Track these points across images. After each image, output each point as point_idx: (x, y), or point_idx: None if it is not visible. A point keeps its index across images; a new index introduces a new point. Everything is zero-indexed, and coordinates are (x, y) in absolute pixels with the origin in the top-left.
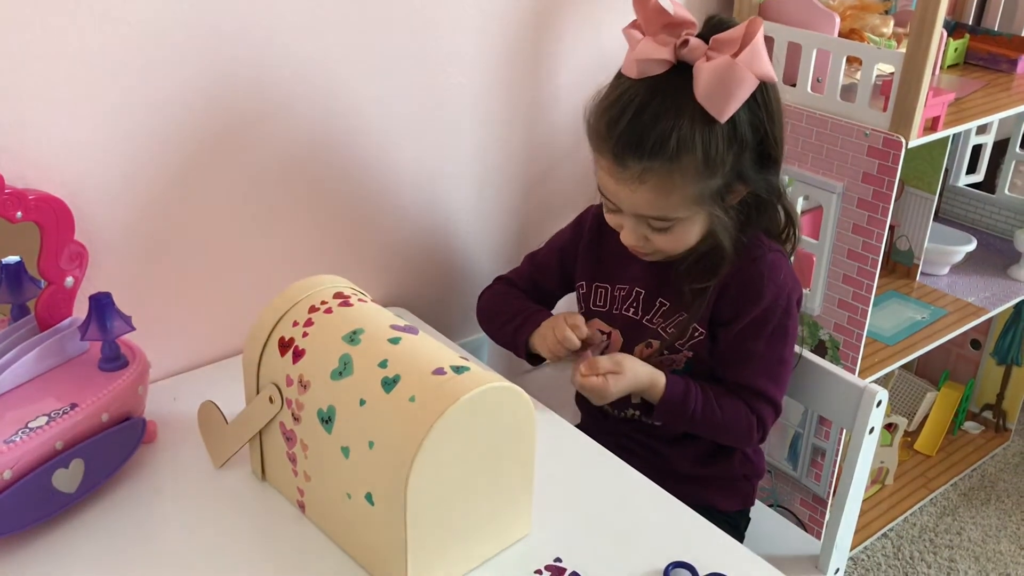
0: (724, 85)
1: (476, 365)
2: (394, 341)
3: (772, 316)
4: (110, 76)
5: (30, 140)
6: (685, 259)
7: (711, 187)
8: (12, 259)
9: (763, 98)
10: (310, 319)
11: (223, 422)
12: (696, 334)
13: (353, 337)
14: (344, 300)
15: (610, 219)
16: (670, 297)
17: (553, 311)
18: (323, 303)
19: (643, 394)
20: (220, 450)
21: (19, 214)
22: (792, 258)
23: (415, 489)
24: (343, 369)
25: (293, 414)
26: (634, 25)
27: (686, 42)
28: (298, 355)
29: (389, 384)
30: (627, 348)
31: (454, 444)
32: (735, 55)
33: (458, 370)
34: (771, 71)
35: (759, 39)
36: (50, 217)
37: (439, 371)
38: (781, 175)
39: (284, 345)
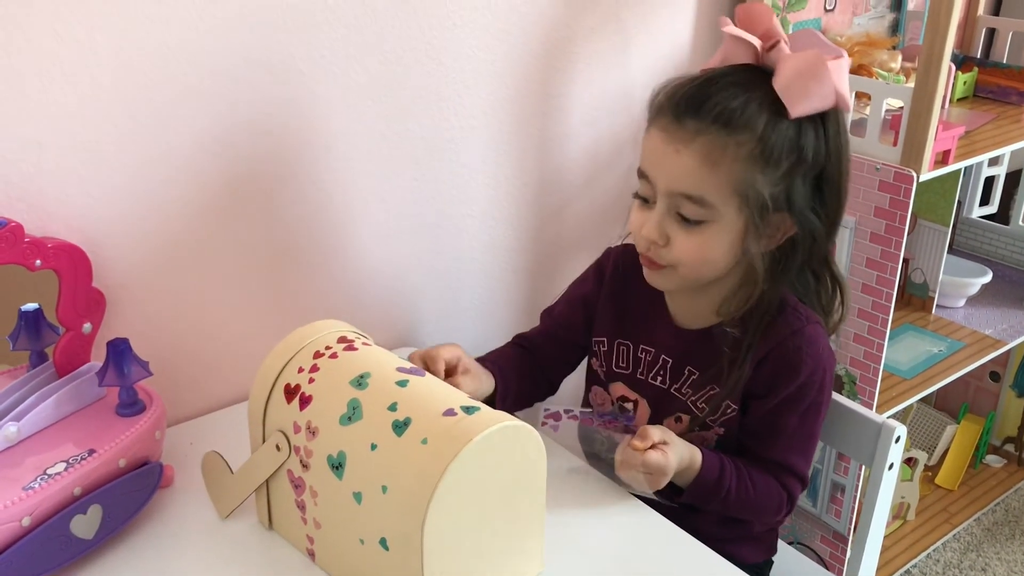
0: (804, 77)
1: (485, 405)
2: (402, 384)
3: (808, 392)
4: (127, 126)
5: (49, 189)
6: (721, 302)
7: (757, 188)
8: (31, 306)
9: (832, 129)
10: (315, 365)
11: (228, 472)
12: (728, 410)
13: (360, 381)
14: (348, 344)
15: (635, 217)
16: (699, 366)
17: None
18: (328, 348)
19: (677, 476)
20: (225, 501)
21: (38, 262)
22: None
23: (431, 532)
24: (352, 414)
25: (302, 461)
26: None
27: (776, 44)
28: (305, 401)
29: (400, 427)
30: (654, 421)
31: (468, 485)
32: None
33: (468, 410)
34: (848, 97)
35: (846, 64)
36: (68, 265)
37: (450, 412)
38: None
39: (290, 392)
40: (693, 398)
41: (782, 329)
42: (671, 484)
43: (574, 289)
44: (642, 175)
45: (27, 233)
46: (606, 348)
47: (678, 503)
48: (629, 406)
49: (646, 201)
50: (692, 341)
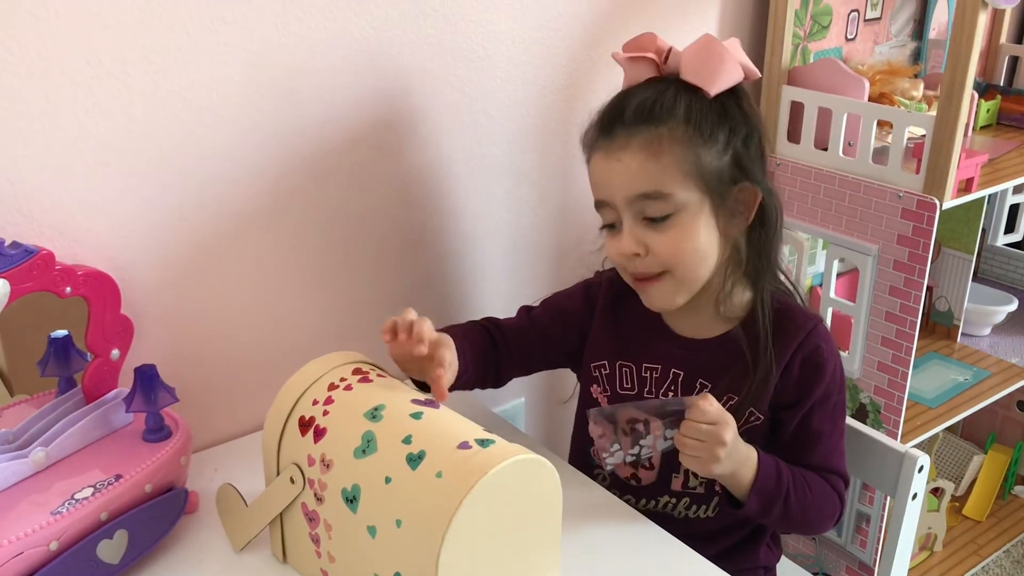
0: (709, 58)
1: (500, 438)
2: (416, 416)
3: (833, 391)
4: (155, 156)
5: (80, 218)
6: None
7: (708, 161)
8: (60, 333)
9: (745, 99)
10: (330, 397)
11: (242, 504)
12: (752, 418)
13: (375, 414)
14: (363, 376)
15: (609, 247)
16: (711, 377)
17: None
18: (342, 380)
19: (730, 476)
20: (240, 533)
21: (68, 289)
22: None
23: (446, 566)
24: (366, 447)
25: (316, 494)
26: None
27: (670, 51)
28: (319, 434)
29: (415, 461)
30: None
31: (483, 518)
32: None
33: (483, 443)
34: (752, 65)
35: (736, 41)
36: (98, 292)
37: (464, 445)
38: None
39: (305, 424)
40: None
41: (797, 331)
42: (731, 498)
43: (558, 299)
44: (600, 205)
45: (58, 260)
46: (608, 371)
47: (741, 514)
48: (640, 427)
49: (613, 227)
50: (701, 351)
